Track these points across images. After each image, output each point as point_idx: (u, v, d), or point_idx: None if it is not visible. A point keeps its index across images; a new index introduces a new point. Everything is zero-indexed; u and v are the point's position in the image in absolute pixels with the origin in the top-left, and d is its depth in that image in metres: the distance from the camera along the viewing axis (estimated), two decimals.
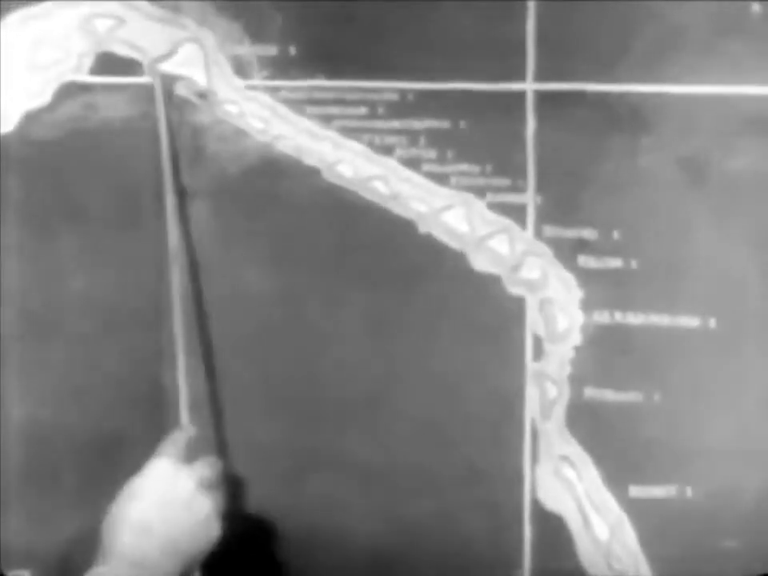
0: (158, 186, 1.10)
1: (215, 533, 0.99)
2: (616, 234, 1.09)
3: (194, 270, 1.10)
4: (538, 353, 1.10)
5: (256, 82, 1.10)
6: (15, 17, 1.10)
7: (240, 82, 1.10)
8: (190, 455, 1.02)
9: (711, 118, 1.07)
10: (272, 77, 1.10)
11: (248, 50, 1.10)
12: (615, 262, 1.09)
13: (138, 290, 1.11)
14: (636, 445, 1.09)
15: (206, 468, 1.01)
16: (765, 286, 1.07)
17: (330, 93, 1.10)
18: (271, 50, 1.10)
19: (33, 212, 1.11)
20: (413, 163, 1.10)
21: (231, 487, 1.05)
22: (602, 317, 1.09)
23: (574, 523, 1.10)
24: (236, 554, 1.04)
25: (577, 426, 1.10)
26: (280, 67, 1.10)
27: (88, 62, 1.11)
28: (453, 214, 1.10)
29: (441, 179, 1.10)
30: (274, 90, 1.10)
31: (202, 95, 1.10)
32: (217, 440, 1.10)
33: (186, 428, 1.05)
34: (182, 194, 1.10)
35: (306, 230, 1.11)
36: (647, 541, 1.09)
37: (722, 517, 1.09)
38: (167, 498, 0.97)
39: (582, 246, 1.09)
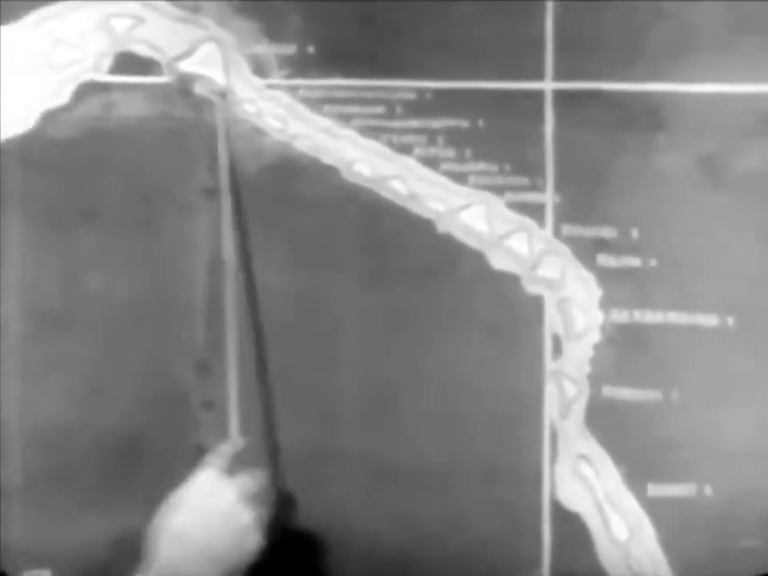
0: (176, 184, 1.10)
1: (256, 544, 0.99)
2: (635, 233, 1.09)
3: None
4: (557, 351, 1.10)
5: (274, 81, 1.11)
6: (34, 17, 1.10)
7: (258, 82, 1.11)
8: (236, 467, 1.02)
9: (728, 117, 1.08)
10: (290, 76, 1.10)
11: (266, 49, 1.10)
12: (634, 261, 1.09)
13: (156, 290, 1.11)
14: (654, 443, 1.09)
15: (249, 480, 1.01)
16: None
17: (349, 92, 1.10)
18: (290, 50, 1.10)
19: (51, 211, 1.11)
20: (431, 162, 1.10)
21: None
22: (621, 315, 1.09)
23: (592, 522, 1.10)
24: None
25: (595, 425, 1.10)
26: (298, 66, 1.10)
27: (106, 61, 1.11)
28: (471, 213, 1.10)
29: (459, 178, 1.10)
30: (292, 90, 1.11)
31: (221, 94, 1.10)
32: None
33: (234, 441, 1.05)
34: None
35: (324, 228, 1.11)
36: (666, 540, 1.09)
37: (740, 515, 1.09)
38: (207, 509, 0.98)
39: (601, 244, 1.09)
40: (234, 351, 1.07)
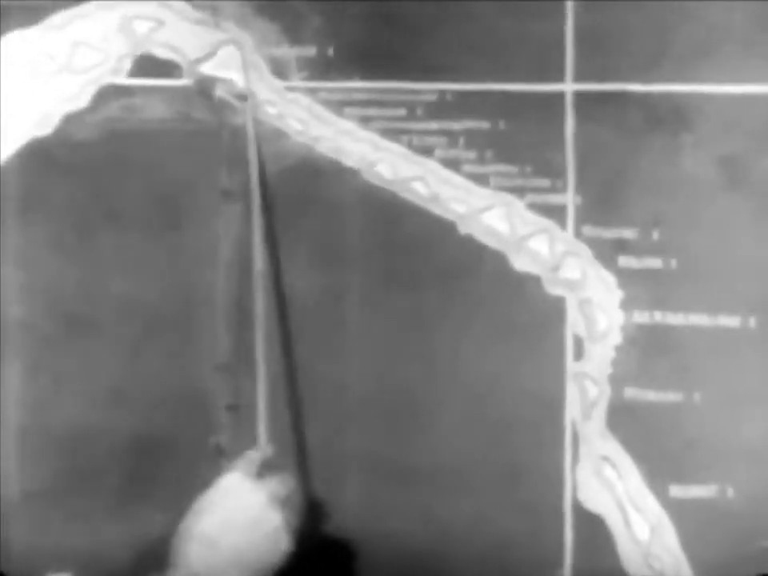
0: (196, 187, 1.10)
1: (284, 548, 0.98)
2: (656, 234, 1.09)
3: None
4: (579, 353, 1.10)
5: (295, 83, 1.11)
6: (55, 19, 1.10)
7: (279, 84, 1.11)
8: (264, 473, 1.01)
9: (751, 118, 1.07)
10: (311, 78, 1.11)
11: (286, 51, 1.11)
12: (655, 262, 1.09)
13: (179, 291, 1.11)
14: (676, 444, 1.09)
15: (278, 484, 1.00)
16: None
17: (369, 94, 1.10)
18: (310, 52, 1.10)
19: (72, 213, 1.11)
20: (452, 164, 1.10)
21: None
22: (642, 317, 1.09)
23: (614, 523, 1.10)
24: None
25: (617, 426, 1.10)
26: (319, 68, 1.11)
27: (127, 63, 1.11)
28: (492, 214, 1.10)
29: (480, 180, 1.10)
30: (312, 92, 1.11)
31: (241, 97, 1.10)
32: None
33: (263, 448, 1.05)
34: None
35: (345, 230, 1.11)
36: (688, 540, 1.09)
37: (762, 516, 1.08)
38: (234, 513, 0.97)
39: (622, 246, 1.09)
40: (261, 353, 1.07)
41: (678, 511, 1.09)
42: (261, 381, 1.06)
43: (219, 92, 1.10)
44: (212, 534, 0.96)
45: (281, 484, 1.00)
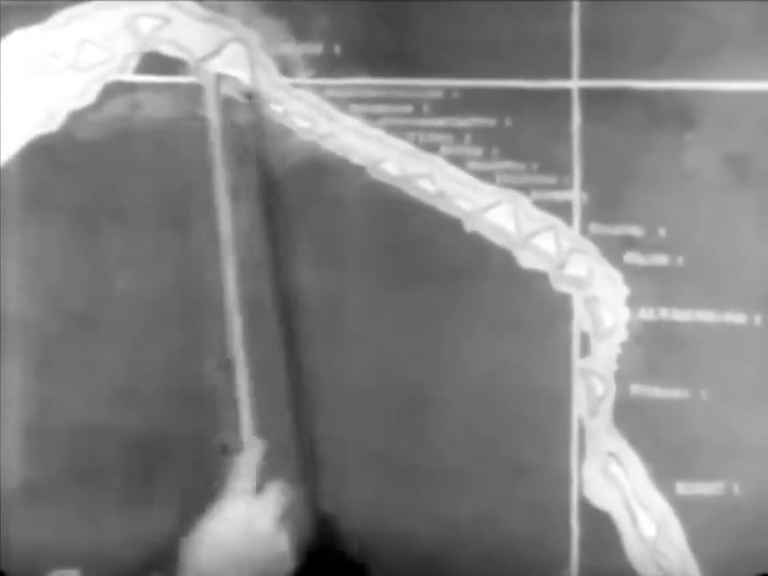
0: (203, 184, 1.10)
1: (290, 568, 0.97)
2: (662, 231, 1.09)
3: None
4: (585, 350, 1.10)
5: (301, 80, 1.11)
6: (60, 17, 1.10)
7: (285, 81, 1.11)
8: (263, 479, 1.00)
9: (756, 115, 1.08)
10: (317, 75, 1.11)
11: (293, 49, 1.11)
12: (661, 259, 1.09)
13: (181, 291, 1.11)
14: (683, 442, 1.09)
15: (279, 497, 0.99)
16: None
17: (376, 91, 1.10)
18: (316, 49, 1.10)
19: (78, 211, 1.11)
20: (458, 161, 1.10)
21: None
22: (649, 313, 1.09)
23: (621, 521, 1.10)
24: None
25: (624, 423, 1.10)
26: (325, 66, 1.11)
27: (133, 61, 1.11)
28: (498, 211, 1.10)
29: (486, 177, 1.10)
30: (319, 89, 1.11)
31: (248, 94, 1.10)
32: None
33: (253, 445, 1.03)
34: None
35: (351, 228, 1.11)
36: (694, 538, 1.09)
37: None
38: (239, 546, 0.96)
39: (628, 243, 1.09)
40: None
41: (685, 508, 1.09)
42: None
43: (225, 89, 1.10)
44: (215, 569, 0.95)
45: (282, 495, 0.99)
